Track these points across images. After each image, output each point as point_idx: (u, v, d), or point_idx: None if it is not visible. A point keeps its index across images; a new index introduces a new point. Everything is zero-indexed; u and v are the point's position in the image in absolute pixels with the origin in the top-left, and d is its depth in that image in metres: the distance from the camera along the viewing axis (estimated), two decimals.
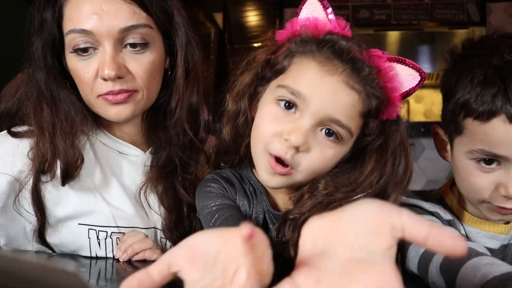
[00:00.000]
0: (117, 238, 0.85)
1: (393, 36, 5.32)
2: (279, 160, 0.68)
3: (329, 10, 0.71)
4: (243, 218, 0.74)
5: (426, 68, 5.03)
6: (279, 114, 0.68)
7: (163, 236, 0.91)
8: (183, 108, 0.87)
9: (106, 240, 0.85)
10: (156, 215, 0.91)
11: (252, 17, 4.48)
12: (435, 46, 5.44)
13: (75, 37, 0.78)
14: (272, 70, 0.72)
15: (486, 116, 0.70)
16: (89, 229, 0.85)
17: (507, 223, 0.80)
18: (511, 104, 0.68)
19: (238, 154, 0.79)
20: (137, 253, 0.83)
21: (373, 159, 0.71)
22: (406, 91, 0.70)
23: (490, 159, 0.72)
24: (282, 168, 0.68)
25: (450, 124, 0.78)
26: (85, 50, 0.78)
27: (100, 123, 0.90)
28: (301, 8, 0.73)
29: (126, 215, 0.87)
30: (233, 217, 0.72)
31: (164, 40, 0.86)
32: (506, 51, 0.71)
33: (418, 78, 0.69)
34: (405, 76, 0.69)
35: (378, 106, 0.68)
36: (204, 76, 0.94)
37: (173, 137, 0.88)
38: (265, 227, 0.77)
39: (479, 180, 0.73)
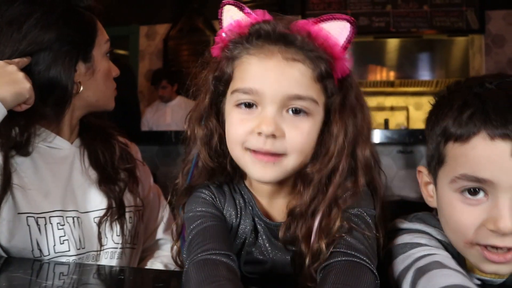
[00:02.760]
0: (57, 223, 0.91)
1: (392, 43, 5.33)
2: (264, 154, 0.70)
3: (245, 8, 0.74)
4: (223, 230, 0.75)
5: (426, 75, 5.04)
6: (244, 115, 0.70)
7: (96, 216, 0.98)
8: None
9: (47, 226, 0.90)
10: (90, 200, 1.00)
11: None
12: (434, 53, 5.46)
13: None
14: (222, 83, 0.75)
15: (466, 135, 0.63)
16: (27, 217, 0.89)
17: None
18: (491, 122, 0.61)
19: (225, 171, 0.79)
20: None
21: (336, 118, 0.72)
22: (345, 42, 0.70)
23: (474, 188, 0.63)
24: (271, 156, 0.69)
25: (433, 159, 0.71)
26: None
27: None
28: (221, 19, 0.76)
29: (58, 199, 0.94)
30: (212, 227, 0.73)
31: None
32: (488, 81, 0.67)
33: (349, 25, 0.70)
34: (337, 29, 0.70)
35: (326, 65, 0.70)
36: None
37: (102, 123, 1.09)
38: (254, 238, 0.78)
39: (464, 216, 0.64)
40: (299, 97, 0.68)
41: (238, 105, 0.71)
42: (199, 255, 0.67)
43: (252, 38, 0.71)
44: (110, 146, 1.05)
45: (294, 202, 0.73)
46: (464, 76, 5.14)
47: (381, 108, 5.16)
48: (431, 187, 0.74)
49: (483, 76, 0.70)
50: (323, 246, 0.66)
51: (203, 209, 0.76)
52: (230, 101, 0.73)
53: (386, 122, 4.52)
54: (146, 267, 1.07)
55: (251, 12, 0.74)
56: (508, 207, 0.61)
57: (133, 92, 1.93)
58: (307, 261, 0.68)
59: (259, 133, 0.68)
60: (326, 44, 0.70)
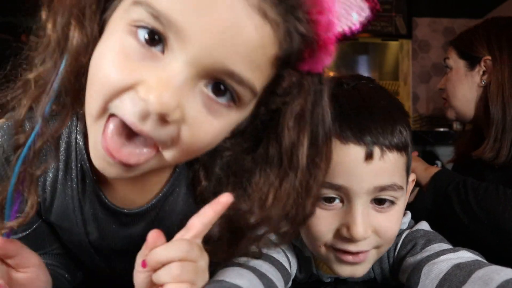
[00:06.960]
0: None
1: None
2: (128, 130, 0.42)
3: None
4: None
5: None
6: (135, 51, 0.41)
7: None
8: None
9: None
10: None
11: None
12: (370, 56, 5.69)
13: None
14: None
15: None
16: None
17: None
18: (341, 127, 0.59)
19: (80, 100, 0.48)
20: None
21: (289, 134, 0.49)
22: (344, 29, 0.46)
23: (331, 197, 0.62)
24: (131, 149, 0.43)
25: None
26: None
27: None
28: None
29: None
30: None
31: None
32: (346, 82, 0.66)
33: (365, 12, 0.46)
34: (345, 6, 0.45)
35: (302, 49, 0.45)
36: None
37: None
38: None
39: (319, 221, 0.62)
40: (238, 79, 0.42)
41: (136, 27, 0.41)
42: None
43: None
44: None
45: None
46: (396, 79, 5.35)
47: None
48: None
49: (342, 76, 0.69)
50: None
51: None
52: (123, 15, 0.43)
53: None
54: None
55: None
56: (361, 213, 0.60)
57: None
58: None
59: (143, 99, 0.41)
60: (322, 18, 0.44)
